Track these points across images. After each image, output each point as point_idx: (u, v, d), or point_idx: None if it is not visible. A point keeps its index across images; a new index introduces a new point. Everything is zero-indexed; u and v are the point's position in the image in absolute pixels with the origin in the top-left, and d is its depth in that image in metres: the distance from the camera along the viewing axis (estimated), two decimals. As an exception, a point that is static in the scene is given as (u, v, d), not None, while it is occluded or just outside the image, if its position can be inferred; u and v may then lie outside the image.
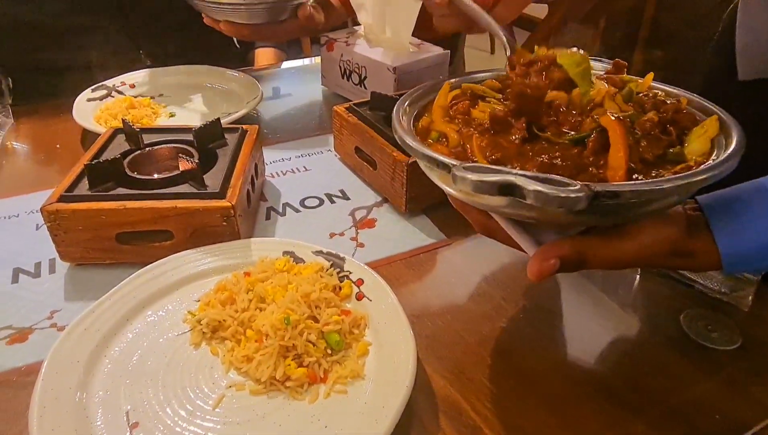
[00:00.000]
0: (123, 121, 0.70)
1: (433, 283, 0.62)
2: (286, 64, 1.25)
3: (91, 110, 0.90)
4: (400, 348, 0.48)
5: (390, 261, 0.64)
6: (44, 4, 1.03)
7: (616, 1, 2.52)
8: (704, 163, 0.42)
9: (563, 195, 0.33)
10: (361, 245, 0.66)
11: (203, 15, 0.93)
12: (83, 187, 0.61)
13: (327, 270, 0.57)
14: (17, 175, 0.82)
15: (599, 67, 0.59)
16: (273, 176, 0.80)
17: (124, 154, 0.66)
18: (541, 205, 0.34)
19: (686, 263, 0.44)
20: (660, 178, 0.38)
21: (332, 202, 0.74)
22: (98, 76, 1.01)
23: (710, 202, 0.44)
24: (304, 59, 1.30)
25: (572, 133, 0.44)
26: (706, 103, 0.50)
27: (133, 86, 0.99)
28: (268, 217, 0.71)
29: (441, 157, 0.40)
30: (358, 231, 0.69)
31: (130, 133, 0.69)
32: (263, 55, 1.31)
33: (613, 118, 0.42)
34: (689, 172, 0.38)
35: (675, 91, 0.54)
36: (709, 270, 0.44)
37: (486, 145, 0.44)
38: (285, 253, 0.59)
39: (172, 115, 0.93)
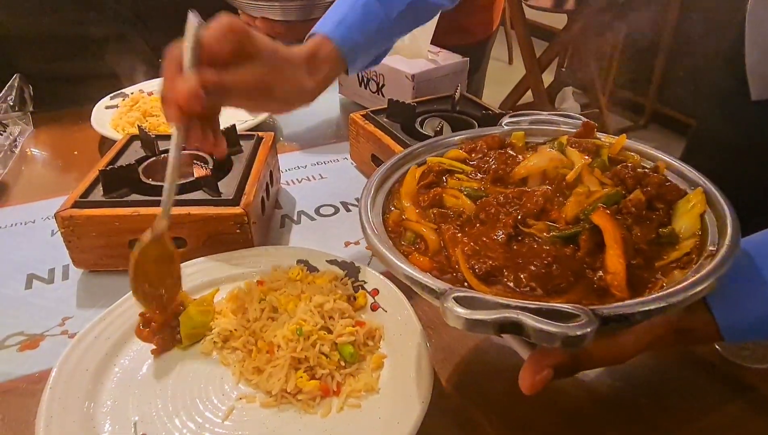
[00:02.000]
0: (139, 127, 0.70)
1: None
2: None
3: (110, 118, 0.91)
4: (416, 361, 0.46)
5: (406, 271, 0.62)
6: (65, 15, 1.04)
7: (637, 11, 2.49)
8: (701, 248, 0.40)
9: (570, 334, 0.30)
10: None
11: (240, 13, 0.96)
12: (98, 194, 0.61)
13: (341, 279, 0.55)
14: (35, 182, 0.83)
15: (567, 125, 0.58)
16: (288, 184, 0.79)
17: (139, 161, 0.66)
18: (544, 343, 0.31)
19: (686, 339, 0.41)
20: (668, 292, 0.35)
21: (348, 210, 0.73)
22: (117, 84, 1.01)
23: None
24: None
25: (559, 228, 0.42)
26: (686, 168, 0.48)
27: (150, 93, 0.99)
28: (282, 225, 0.70)
29: (427, 282, 0.36)
30: (374, 240, 0.67)
31: (146, 139, 0.69)
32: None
33: (606, 214, 0.40)
34: (696, 278, 0.35)
35: (650, 151, 0.52)
36: (711, 342, 0.42)
37: (471, 252, 0.40)
38: (299, 261, 0.58)
39: (189, 123, 0.93)
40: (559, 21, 2.83)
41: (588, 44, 2.62)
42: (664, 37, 2.66)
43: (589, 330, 0.31)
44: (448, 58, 0.94)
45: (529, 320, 0.31)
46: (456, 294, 0.33)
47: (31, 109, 0.97)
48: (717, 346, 0.52)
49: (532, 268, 0.38)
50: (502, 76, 3.42)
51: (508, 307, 0.32)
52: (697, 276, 0.36)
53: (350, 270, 0.56)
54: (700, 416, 0.46)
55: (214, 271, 0.57)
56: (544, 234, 0.42)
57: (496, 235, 0.41)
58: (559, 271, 0.38)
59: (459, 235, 0.43)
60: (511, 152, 0.53)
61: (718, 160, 0.81)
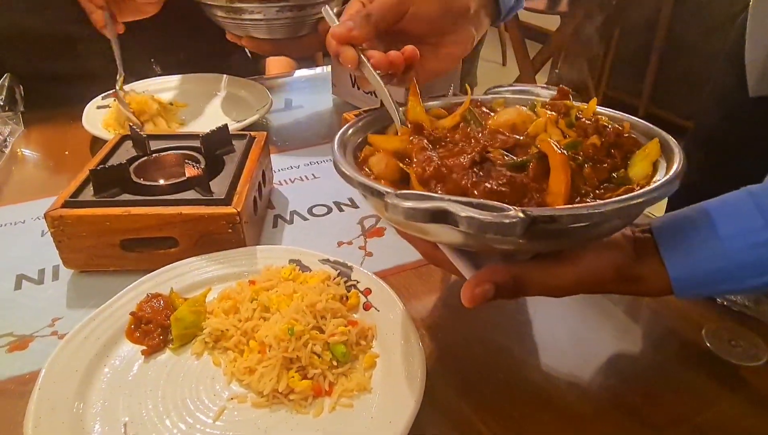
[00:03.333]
0: (130, 127, 0.70)
1: (443, 293, 0.60)
2: (297, 74, 1.25)
3: (101, 117, 0.90)
4: (409, 360, 0.46)
5: (399, 270, 0.62)
6: (56, 13, 1.04)
7: (630, 12, 2.51)
8: (646, 186, 0.41)
9: (497, 221, 0.32)
10: (370, 254, 0.64)
11: (226, 32, 0.94)
12: (88, 193, 0.60)
13: (334, 279, 0.55)
14: (25, 182, 0.82)
15: (545, 94, 0.59)
16: (281, 184, 0.79)
17: (131, 160, 0.65)
18: (475, 232, 0.33)
19: (634, 288, 0.42)
20: (599, 202, 0.37)
21: (341, 210, 0.73)
22: (109, 84, 1.01)
23: (660, 225, 0.43)
24: (315, 68, 1.29)
25: (513, 157, 0.43)
26: (651, 127, 0.50)
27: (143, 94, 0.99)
28: (275, 225, 0.70)
29: (375, 185, 0.39)
30: (367, 240, 0.67)
31: (137, 139, 0.68)
32: (274, 63, 1.31)
33: (552, 144, 0.42)
34: (628, 195, 0.37)
35: (619, 115, 0.53)
36: (659, 295, 0.42)
37: (432, 174, 0.42)
38: (291, 261, 0.57)
39: (182, 124, 0.93)
40: (552, 23, 2.84)
41: (581, 46, 2.63)
42: (657, 38, 2.67)
43: (516, 220, 0.32)
44: (441, 59, 0.94)
45: (459, 209, 0.33)
46: (401, 192, 0.35)
47: (21, 109, 0.96)
48: (708, 343, 0.52)
49: (485, 185, 0.40)
50: (495, 77, 3.44)
51: (442, 199, 0.34)
52: (631, 194, 0.37)
53: (343, 270, 0.56)
54: (693, 414, 0.46)
55: (205, 271, 0.57)
56: (499, 161, 0.43)
57: (462, 160, 0.43)
58: (507, 191, 0.39)
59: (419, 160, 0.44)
60: (486, 110, 0.55)
61: (717, 156, 0.82)
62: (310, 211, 0.73)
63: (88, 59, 1.05)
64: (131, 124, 0.71)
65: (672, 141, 0.45)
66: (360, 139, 0.50)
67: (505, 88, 0.61)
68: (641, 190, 0.38)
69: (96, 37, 1.06)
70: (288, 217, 0.72)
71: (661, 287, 0.41)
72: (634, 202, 0.36)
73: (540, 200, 0.39)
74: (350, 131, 0.50)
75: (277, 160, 0.83)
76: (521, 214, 0.32)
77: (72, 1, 1.03)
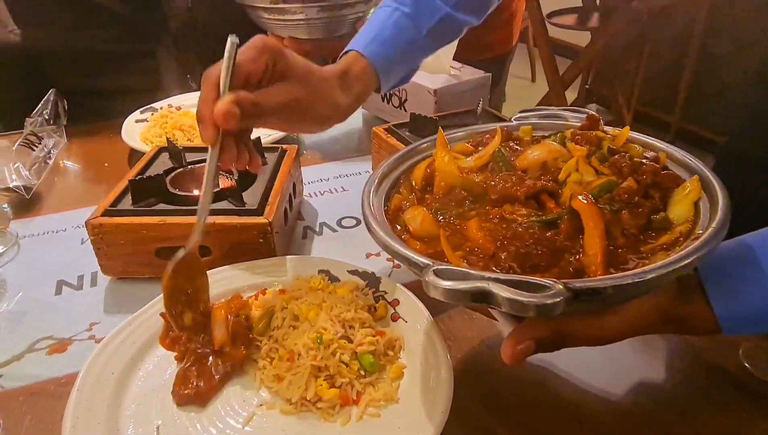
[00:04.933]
0: (167, 139, 0.72)
1: (471, 306, 0.60)
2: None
3: (139, 131, 0.93)
4: (436, 372, 0.46)
5: (427, 283, 0.62)
6: (98, 32, 1.08)
7: (661, 28, 2.47)
8: (689, 233, 0.40)
9: (539, 303, 0.32)
10: (398, 266, 0.65)
11: (269, 33, 0.98)
12: (127, 203, 0.62)
13: (362, 289, 0.56)
14: (67, 192, 0.85)
15: (574, 118, 0.59)
16: (311, 196, 0.80)
17: (167, 172, 0.67)
18: (516, 313, 0.33)
19: (681, 328, 0.41)
20: (642, 270, 0.35)
21: (369, 222, 0.74)
22: (146, 99, 1.04)
23: (704, 261, 0.40)
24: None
25: (539, 214, 0.43)
26: (688, 158, 0.48)
27: (179, 108, 1.02)
28: (304, 236, 0.71)
29: (412, 256, 0.38)
30: (395, 252, 0.67)
31: (174, 151, 0.71)
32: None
33: (584, 201, 0.41)
34: (673, 258, 0.36)
35: (654, 143, 0.52)
36: (707, 334, 0.41)
37: (453, 235, 0.43)
38: (320, 271, 0.58)
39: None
40: (582, 39, 2.83)
41: (612, 61, 2.61)
42: (691, 54, 2.63)
43: (559, 299, 0.32)
44: (470, 74, 0.95)
45: (501, 290, 0.32)
46: (437, 267, 0.35)
47: (64, 122, 1.00)
48: (746, 364, 0.51)
49: (512, 248, 0.40)
50: (524, 93, 3.43)
51: (482, 278, 0.34)
52: (676, 256, 0.36)
53: (371, 280, 0.57)
54: (728, 435, 0.45)
55: (237, 280, 0.58)
56: (527, 219, 0.43)
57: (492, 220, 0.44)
58: (538, 251, 0.39)
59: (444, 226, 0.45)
60: (515, 146, 0.54)
61: (748, 175, 0.80)
62: (339, 223, 0.74)
63: (128, 75, 1.10)
64: (168, 137, 0.73)
65: (714, 178, 0.44)
66: (389, 186, 0.51)
67: (532, 113, 0.61)
68: (688, 250, 0.36)
69: (135, 55, 1.11)
70: (317, 229, 0.73)
71: (709, 327, 0.39)
72: (682, 264, 0.35)
73: (576, 264, 0.38)
74: (376, 181, 0.50)
75: (307, 173, 0.85)
76: (563, 289, 0.32)
77: (113, 21, 1.08)
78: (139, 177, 0.63)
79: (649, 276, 0.34)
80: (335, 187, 0.83)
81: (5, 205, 0.78)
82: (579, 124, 0.57)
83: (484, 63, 1.01)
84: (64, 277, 0.64)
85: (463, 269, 0.35)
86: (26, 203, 0.78)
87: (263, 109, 0.50)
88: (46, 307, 0.60)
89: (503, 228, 0.43)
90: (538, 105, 2.69)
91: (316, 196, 0.80)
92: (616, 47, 2.51)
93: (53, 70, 1.12)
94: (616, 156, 0.49)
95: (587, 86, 2.82)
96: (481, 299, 0.33)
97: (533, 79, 3.73)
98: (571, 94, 2.64)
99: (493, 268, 0.40)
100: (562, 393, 0.49)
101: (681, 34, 2.58)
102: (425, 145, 0.57)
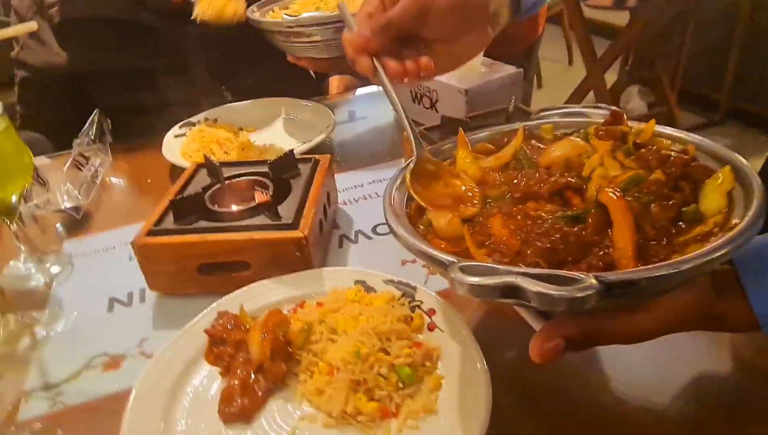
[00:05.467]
0: (205, 156, 0.74)
1: (509, 312, 0.59)
2: (359, 91, 1.28)
3: (179, 146, 0.96)
4: (474, 382, 0.46)
5: (463, 289, 0.62)
6: (136, 49, 1.12)
7: (705, 3, 2.36)
8: (724, 224, 0.39)
9: (570, 296, 0.31)
10: (433, 273, 0.65)
11: (287, 54, 0.99)
12: (169, 221, 0.65)
13: (398, 299, 0.56)
14: (114, 210, 0.89)
15: (597, 115, 0.57)
16: (345, 203, 0.81)
17: (206, 188, 0.70)
18: (546, 307, 0.32)
19: (717, 326, 0.40)
20: (677, 261, 0.34)
21: (404, 228, 0.74)
22: (184, 112, 1.08)
23: (741, 254, 0.39)
24: (376, 85, 1.32)
25: (565, 210, 0.42)
26: (717, 148, 0.46)
27: (215, 121, 1.05)
28: (340, 245, 0.72)
29: (436, 254, 0.38)
30: (430, 258, 0.68)
31: (212, 167, 0.73)
32: (336, 82, 1.35)
33: (611, 194, 0.40)
34: (710, 247, 0.35)
35: (681, 135, 0.50)
36: (745, 331, 0.39)
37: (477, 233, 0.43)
38: (356, 282, 0.59)
39: (255, 149, 0.98)
40: (621, 18, 2.73)
41: (653, 41, 2.51)
42: (738, 28, 2.51)
43: (591, 292, 0.31)
44: (501, 70, 0.93)
45: (529, 284, 0.31)
46: (463, 264, 0.35)
47: (110, 140, 1.04)
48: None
49: (538, 244, 0.39)
50: (561, 78, 3.34)
51: (510, 273, 0.33)
52: (712, 245, 0.35)
53: (406, 290, 0.57)
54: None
55: (276, 293, 0.59)
56: (552, 215, 0.42)
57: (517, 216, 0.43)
58: (565, 246, 0.38)
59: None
60: (537, 144, 0.54)
61: None
62: (374, 230, 0.74)
63: (166, 91, 1.13)
64: (206, 155, 0.75)
65: (745, 165, 0.42)
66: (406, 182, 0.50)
67: (554, 111, 0.60)
68: (724, 239, 0.35)
69: (171, 70, 1.14)
70: (353, 237, 0.74)
71: (747, 324, 0.38)
72: (717, 254, 0.34)
73: (605, 258, 0.38)
74: (398, 181, 0.51)
75: (341, 180, 0.85)
76: (594, 283, 0.31)
77: (149, 39, 1.11)
78: (179, 196, 0.66)
79: (685, 266, 0.33)
80: (369, 193, 0.83)
81: (59, 226, 0.83)
82: (602, 121, 0.56)
83: (511, 57, 0.99)
84: (115, 294, 0.68)
85: (490, 265, 0.35)
86: (77, 222, 0.82)
87: (390, 19, 0.52)
88: (100, 324, 0.63)
89: (528, 224, 0.42)
90: (576, 89, 2.60)
91: (351, 203, 0.81)
92: (656, 26, 2.41)
93: (96, 89, 1.17)
94: (643, 150, 0.48)
95: (627, 67, 2.73)
96: (510, 294, 0.32)
97: (570, 63, 3.63)
98: (610, 76, 2.56)
99: (519, 264, 0.39)
100: (603, 400, 0.48)
101: (726, 8, 2.46)
102: (448, 146, 0.57)
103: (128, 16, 1.09)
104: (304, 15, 0.92)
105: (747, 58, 2.57)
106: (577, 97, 2.60)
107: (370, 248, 0.71)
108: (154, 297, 0.66)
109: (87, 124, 0.99)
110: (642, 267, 0.35)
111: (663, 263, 0.34)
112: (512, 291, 0.32)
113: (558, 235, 0.39)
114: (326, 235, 0.71)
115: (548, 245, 0.39)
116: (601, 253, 0.39)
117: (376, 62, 0.53)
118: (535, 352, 0.38)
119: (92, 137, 0.99)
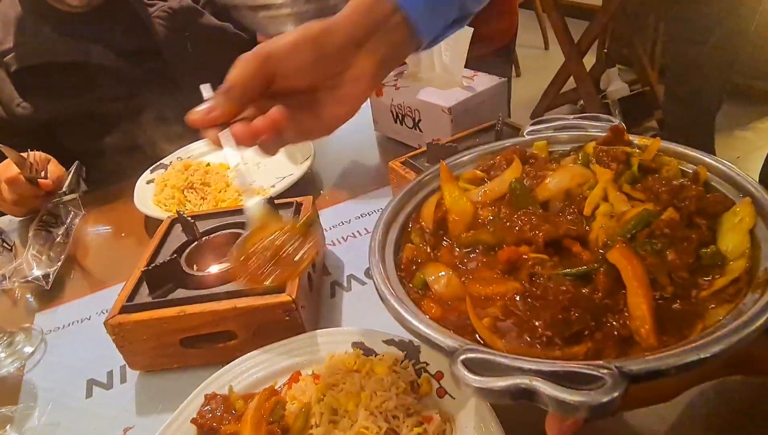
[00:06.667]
0: (178, 212, 0.69)
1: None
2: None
3: (150, 193, 0.91)
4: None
5: (469, 336, 0.57)
6: (103, 91, 1.06)
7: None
8: (750, 270, 0.35)
9: (593, 402, 0.27)
10: (436, 320, 0.60)
11: (258, 34, 0.96)
12: (144, 293, 0.59)
13: (401, 363, 0.51)
14: (87, 272, 0.83)
15: (594, 127, 0.53)
16: (334, 244, 0.76)
17: (181, 248, 0.64)
18: (567, 415, 0.29)
19: (744, 371, 0.37)
20: (706, 341, 0.30)
21: (399, 268, 0.69)
22: (155, 151, 1.02)
23: None
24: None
25: (573, 269, 0.38)
26: (731, 170, 0.42)
27: (189, 158, 0.99)
28: (333, 295, 0.67)
29: (437, 339, 0.35)
30: (430, 301, 0.63)
31: (186, 224, 0.67)
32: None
33: (620, 254, 0.36)
34: (744, 320, 0.30)
35: (689, 153, 0.46)
36: None
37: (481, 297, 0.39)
38: (354, 344, 0.54)
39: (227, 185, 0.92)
40: (594, -1, 2.69)
41: (629, 18, 2.47)
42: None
43: (615, 395, 0.27)
44: (485, 82, 0.88)
45: (545, 387, 0.28)
46: (465, 356, 0.31)
47: (84, 188, 0.99)
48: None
49: (547, 314, 0.35)
50: (539, 63, 3.29)
51: (521, 370, 0.29)
52: (746, 316, 0.31)
53: (409, 350, 0.52)
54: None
55: (268, 365, 0.54)
56: (554, 271, 0.38)
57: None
58: (577, 315, 0.34)
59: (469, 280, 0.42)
60: (531, 170, 0.49)
61: None
62: (366, 273, 0.69)
63: (133, 133, 1.07)
64: (179, 210, 0.70)
65: (764, 195, 0.38)
66: (397, 233, 0.48)
67: (546, 125, 0.55)
68: (759, 307, 0.31)
69: (141, 109, 1.08)
70: (345, 283, 0.69)
71: None
72: (754, 326, 0.30)
73: (623, 331, 0.34)
74: (381, 231, 0.47)
75: (326, 216, 0.81)
76: (618, 379, 0.27)
77: (115, 79, 1.06)
78: (152, 265, 0.60)
79: (716, 349, 0.30)
80: (358, 229, 0.78)
81: (29, 297, 0.77)
82: (600, 135, 0.51)
83: (487, 57, 0.94)
84: (93, 375, 0.62)
85: (498, 356, 0.31)
86: (49, 291, 0.76)
87: (233, 87, 0.46)
88: (79, 413, 0.58)
89: (529, 284, 0.38)
90: (556, 76, 2.54)
91: (339, 243, 0.76)
92: (632, 3, 2.38)
93: (64, 133, 1.11)
94: (649, 177, 0.44)
95: (605, 50, 2.68)
96: (523, 397, 0.29)
97: (546, 47, 3.59)
98: (589, 60, 2.52)
99: (527, 338, 0.35)
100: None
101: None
102: (429, 177, 0.53)
103: (86, 58, 1.03)
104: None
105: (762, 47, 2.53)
106: (557, 83, 2.57)
107: (365, 295, 0.66)
108: (136, 375, 0.61)
109: (65, 184, 0.93)
110: (667, 350, 0.30)
111: (691, 346, 0.30)
112: (525, 394, 0.29)
113: (567, 302, 0.35)
114: (316, 288, 0.66)
115: (559, 316, 0.35)
116: (616, 322, 0.35)
117: (222, 133, 0.46)
118: (554, 431, 0.35)
119: (65, 191, 0.93)
